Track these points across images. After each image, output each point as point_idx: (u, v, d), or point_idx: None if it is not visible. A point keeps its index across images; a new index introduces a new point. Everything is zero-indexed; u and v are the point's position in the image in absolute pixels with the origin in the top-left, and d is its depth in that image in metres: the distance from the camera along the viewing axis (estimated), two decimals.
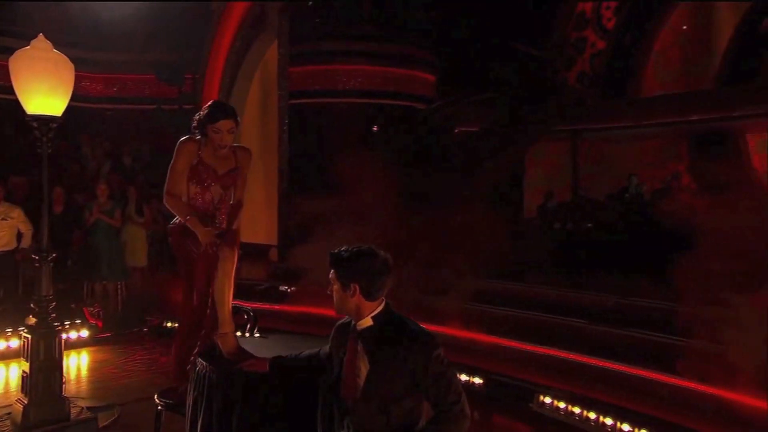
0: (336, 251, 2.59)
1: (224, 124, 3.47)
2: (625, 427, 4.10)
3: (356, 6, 11.54)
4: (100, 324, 7.46)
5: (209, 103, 3.73)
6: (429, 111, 12.10)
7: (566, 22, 14.30)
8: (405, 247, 8.56)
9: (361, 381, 2.54)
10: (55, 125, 4.79)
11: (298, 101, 10.34)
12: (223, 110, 3.54)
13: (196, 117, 3.64)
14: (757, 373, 4.70)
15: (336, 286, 2.60)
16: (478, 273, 8.17)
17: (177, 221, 3.62)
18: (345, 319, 2.77)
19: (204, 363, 3.43)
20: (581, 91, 13.22)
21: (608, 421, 4.19)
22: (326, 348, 2.94)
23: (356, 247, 2.56)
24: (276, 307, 7.66)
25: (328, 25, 11.35)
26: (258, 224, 9.67)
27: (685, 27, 13.30)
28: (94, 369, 6.07)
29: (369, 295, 2.55)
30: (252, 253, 9.47)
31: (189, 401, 3.54)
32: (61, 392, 4.82)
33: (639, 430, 4.03)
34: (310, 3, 10.70)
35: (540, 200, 12.04)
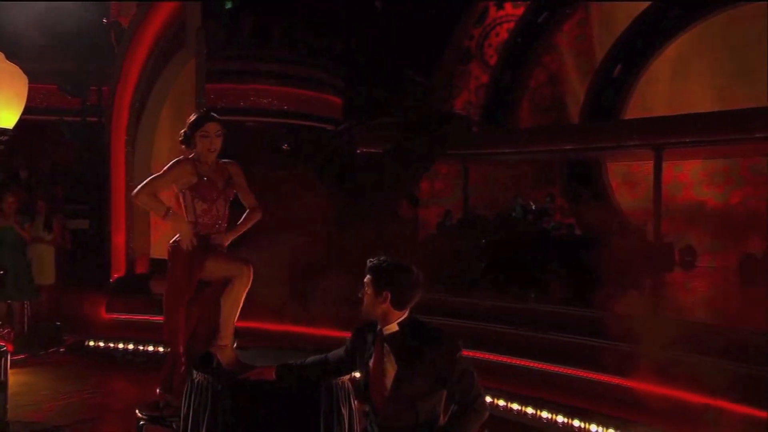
0: (375, 260, 2.76)
1: (212, 127, 3.50)
2: (560, 418, 4.69)
3: (267, 28, 11.61)
4: (10, 347, 6.86)
5: (192, 115, 3.69)
6: (335, 133, 12.45)
7: (454, 56, 15.41)
8: (315, 262, 8.83)
9: (389, 381, 2.70)
10: (5, 138, 4.53)
11: None
12: (208, 115, 3.58)
13: (182, 131, 3.63)
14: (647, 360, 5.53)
15: (369, 291, 2.75)
16: None
17: (178, 239, 3.61)
18: (365, 325, 2.95)
19: (204, 374, 3.44)
20: (468, 119, 14.26)
21: (545, 414, 4.77)
22: (337, 352, 3.07)
23: (394, 260, 2.76)
24: None
25: (241, 45, 11.31)
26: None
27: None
28: (19, 393, 5.60)
29: (398, 304, 2.72)
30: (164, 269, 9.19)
31: (185, 412, 3.51)
32: (5, 416, 4.50)
33: (572, 420, 4.63)
34: (225, 21, 10.62)
35: (436, 218, 12.83)
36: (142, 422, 3.87)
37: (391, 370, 2.71)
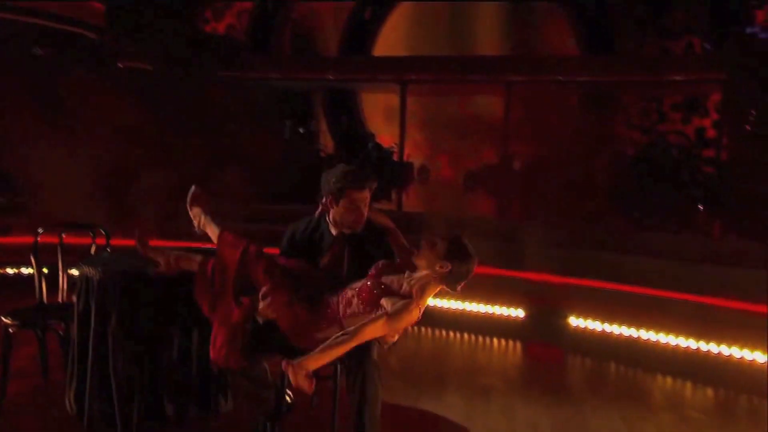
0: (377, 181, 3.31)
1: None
2: None
3: None
4: None
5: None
6: (98, 42, 11.18)
7: None
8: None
9: (344, 273, 3.25)
10: None
11: None
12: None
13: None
14: None
15: (368, 202, 3.28)
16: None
17: None
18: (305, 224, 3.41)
19: (94, 269, 3.38)
20: (237, 42, 14.11)
21: None
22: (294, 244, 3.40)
23: None
24: None
25: None
26: None
27: None
28: None
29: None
30: None
31: (80, 310, 3.41)
32: None
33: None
34: None
35: None
36: (11, 330, 3.59)
37: (346, 265, 3.31)
